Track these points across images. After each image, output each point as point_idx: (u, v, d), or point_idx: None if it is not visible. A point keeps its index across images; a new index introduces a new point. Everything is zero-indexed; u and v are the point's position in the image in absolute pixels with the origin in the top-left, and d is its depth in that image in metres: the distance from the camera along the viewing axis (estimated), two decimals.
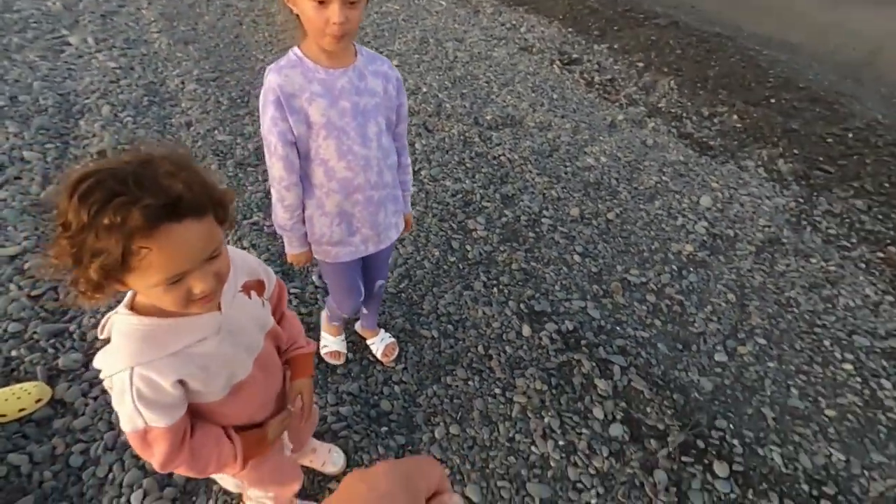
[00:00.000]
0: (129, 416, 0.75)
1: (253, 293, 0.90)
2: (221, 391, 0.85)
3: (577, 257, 2.33)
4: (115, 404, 0.75)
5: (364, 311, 1.74)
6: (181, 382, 0.77)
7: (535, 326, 1.98)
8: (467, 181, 2.78)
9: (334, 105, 1.13)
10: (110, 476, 1.44)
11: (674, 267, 2.36)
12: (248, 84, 3.73)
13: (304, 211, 1.27)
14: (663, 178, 2.99)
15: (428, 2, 5.95)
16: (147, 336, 0.74)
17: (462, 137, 3.19)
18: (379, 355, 1.80)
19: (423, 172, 2.82)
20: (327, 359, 1.76)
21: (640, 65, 4.53)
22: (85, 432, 1.53)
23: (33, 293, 1.95)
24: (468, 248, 2.33)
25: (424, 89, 3.79)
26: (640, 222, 2.62)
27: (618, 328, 2.02)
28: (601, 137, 3.32)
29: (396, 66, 4.07)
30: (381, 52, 4.11)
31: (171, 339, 0.76)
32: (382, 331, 1.85)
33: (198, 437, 0.83)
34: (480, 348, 1.88)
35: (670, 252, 2.45)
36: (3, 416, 1.51)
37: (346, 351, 1.79)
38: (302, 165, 1.19)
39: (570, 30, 5.35)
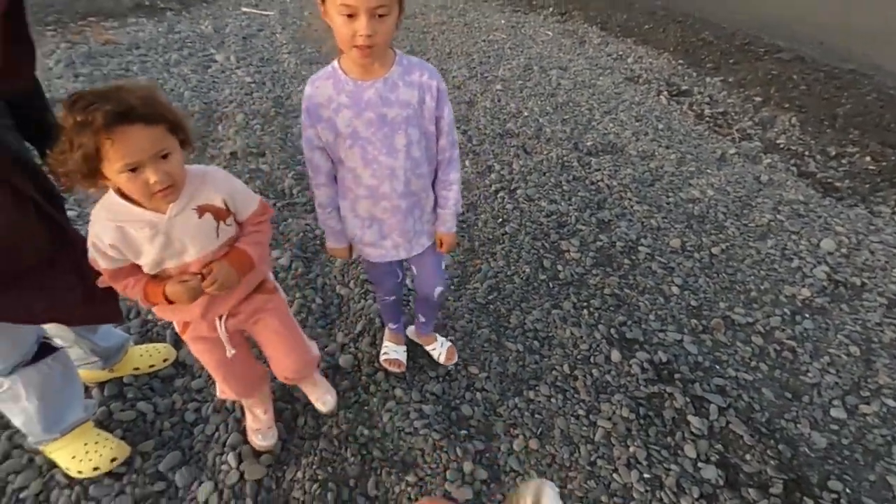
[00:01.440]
0: (90, 255, 1.03)
1: (207, 215, 1.06)
2: (149, 269, 1.06)
3: (675, 289, 2.22)
4: None
5: (421, 318, 1.77)
6: (115, 248, 1.00)
7: (625, 353, 1.91)
8: (563, 203, 2.77)
9: (360, 116, 1.17)
10: (216, 435, 1.59)
11: (786, 311, 2.16)
12: None
13: (338, 210, 1.36)
14: (778, 216, 2.77)
15: (534, 31, 6.08)
16: (107, 205, 1.00)
17: (560, 161, 3.19)
18: (442, 360, 1.82)
19: (518, 192, 2.86)
20: (386, 366, 1.79)
21: (758, 99, 4.27)
22: (199, 393, 1.71)
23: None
24: (559, 268, 2.32)
25: (525, 113, 3.86)
26: (749, 260, 2.45)
27: (717, 367, 1.89)
28: (709, 170, 3.16)
29: (499, 90, 4.21)
30: (485, 78, 4.25)
31: (120, 214, 0.99)
32: (440, 336, 1.86)
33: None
34: (566, 367, 1.85)
35: (782, 294, 2.25)
36: (138, 369, 1.74)
37: (405, 360, 1.80)
38: (337, 168, 1.28)
39: (680, 61, 5.19)
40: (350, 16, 1.02)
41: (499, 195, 2.83)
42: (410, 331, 1.90)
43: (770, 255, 2.49)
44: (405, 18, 4.26)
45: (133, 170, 0.91)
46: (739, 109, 4.12)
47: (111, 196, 1.00)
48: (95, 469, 1.43)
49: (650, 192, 2.90)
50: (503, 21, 6.44)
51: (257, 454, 1.53)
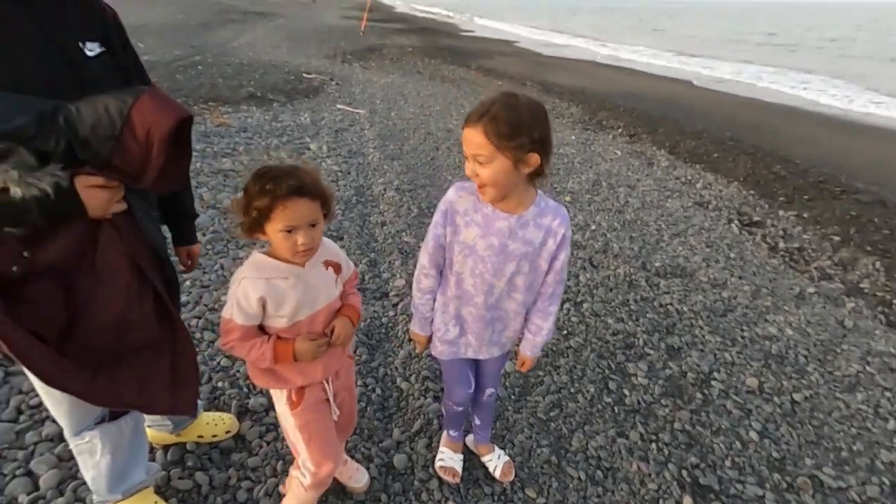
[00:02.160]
0: (227, 307, 1.18)
1: (330, 269, 1.28)
2: (285, 321, 1.20)
3: (753, 434, 2.06)
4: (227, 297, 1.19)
5: (476, 421, 1.74)
6: (261, 301, 1.16)
7: (698, 501, 1.75)
8: (630, 323, 2.72)
9: (485, 237, 1.26)
10: None
11: (885, 480, 1.93)
12: (436, 198, 4.26)
13: (434, 301, 1.42)
14: (868, 368, 2.57)
15: (603, 149, 6.37)
16: (258, 263, 1.18)
17: (628, 279, 3.18)
18: (497, 475, 1.74)
19: (584, 306, 2.85)
20: (441, 474, 1.72)
21: (836, 238, 4.16)
22: (254, 472, 1.70)
23: None
24: (626, 392, 2.22)
25: (593, 227, 3.94)
26: (837, 414, 2.25)
27: None
28: (786, 307, 3.04)
29: (567, 202, 4.35)
30: (554, 189, 4.43)
31: (268, 269, 1.17)
32: (497, 447, 1.80)
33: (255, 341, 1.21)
34: None
35: (879, 460, 2.03)
36: (202, 437, 1.77)
37: (461, 470, 1.73)
38: (445, 266, 1.38)
39: (751, 192, 5.21)
40: (468, 158, 1.18)
41: (564, 306, 2.83)
42: (469, 439, 1.85)
43: (861, 410, 2.28)
44: None
45: (289, 231, 1.12)
46: (816, 247, 4.01)
47: (257, 257, 1.20)
48: None
49: (723, 323, 2.80)
50: (573, 137, 6.81)
51: None
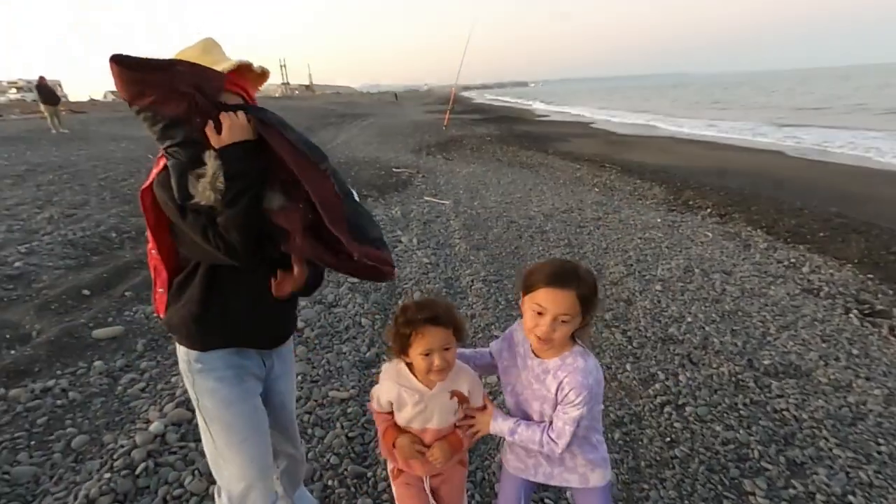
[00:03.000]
0: (375, 388, 1.49)
1: (455, 399, 1.44)
2: (402, 422, 1.45)
3: None
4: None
5: None
6: (389, 402, 1.45)
7: None
8: (741, 431, 2.54)
9: (523, 370, 1.44)
10: None
11: None
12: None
13: None
14: None
15: (692, 232, 6.21)
16: (397, 371, 1.44)
17: (733, 379, 3.00)
18: None
19: (687, 409, 2.72)
20: None
21: None
22: None
23: (350, 434, 2.49)
24: None
25: (689, 319, 3.80)
26: None
27: None
28: None
29: (658, 291, 4.26)
30: (643, 276, 4.36)
31: (402, 379, 1.42)
32: None
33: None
34: None
35: None
36: None
37: None
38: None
39: (869, 276, 4.77)
40: (539, 314, 1.29)
41: (665, 409, 2.71)
42: None
43: None
44: (564, 212, 4.76)
45: (426, 354, 1.34)
46: None
47: (401, 365, 1.43)
48: None
49: (853, 435, 2.52)
50: (658, 220, 6.73)
51: None
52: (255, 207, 1.26)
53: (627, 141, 17.49)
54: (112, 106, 37.10)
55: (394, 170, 10.29)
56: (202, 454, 2.28)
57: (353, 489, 2.16)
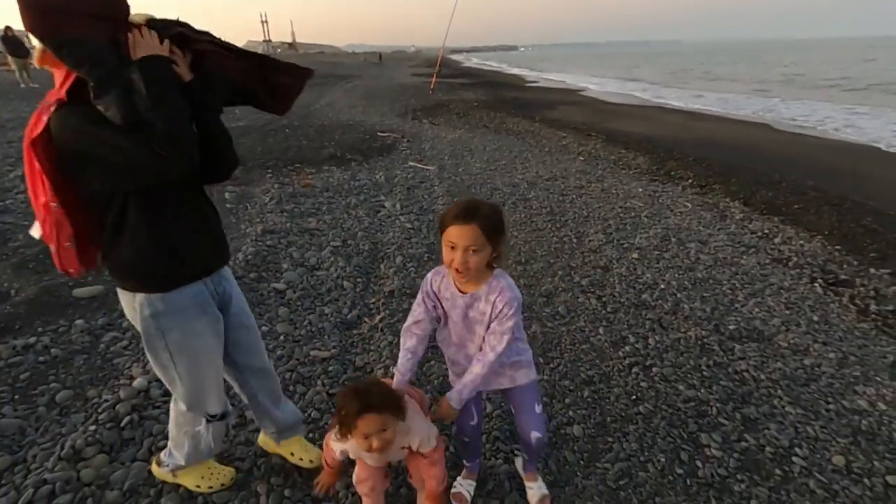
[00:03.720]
0: (330, 434, 1.69)
1: (405, 450, 1.66)
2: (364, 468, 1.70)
3: None
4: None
5: (525, 455, 2.02)
6: (345, 453, 1.66)
7: None
8: (703, 390, 2.69)
9: (453, 310, 1.64)
10: None
11: None
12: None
13: (411, 359, 1.71)
14: None
15: (672, 202, 6.31)
16: (351, 445, 1.59)
17: (700, 342, 3.15)
18: (533, 502, 1.94)
19: (654, 370, 2.86)
20: (452, 499, 1.95)
21: None
22: None
23: (331, 391, 2.58)
24: (699, 464, 2.21)
25: (662, 286, 3.93)
26: None
27: None
28: (879, 378, 2.86)
29: (635, 259, 4.38)
30: (621, 245, 4.47)
31: (355, 449, 1.61)
32: (541, 479, 2.00)
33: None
34: None
35: None
36: (292, 454, 2.07)
37: (470, 497, 1.95)
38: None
39: (837, 247, 4.95)
40: (452, 248, 1.47)
41: (633, 370, 2.85)
42: (519, 462, 2.10)
43: None
44: (547, 180, 4.82)
45: (367, 437, 1.49)
46: None
47: (353, 442, 1.56)
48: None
49: (805, 394, 2.69)
50: (640, 189, 6.81)
51: None
52: (185, 109, 1.36)
53: (614, 110, 17.40)
54: None
55: (378, 134, 10.15)
56: None
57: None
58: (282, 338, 3.03)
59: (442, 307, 1.66)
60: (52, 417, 2.29)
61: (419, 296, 1.69)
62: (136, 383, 2.45)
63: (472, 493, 1.97)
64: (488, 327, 1.58)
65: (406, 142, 9.59)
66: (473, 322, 1.61)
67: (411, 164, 7.86)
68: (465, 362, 1.70)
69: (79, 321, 2.97)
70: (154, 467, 1.98)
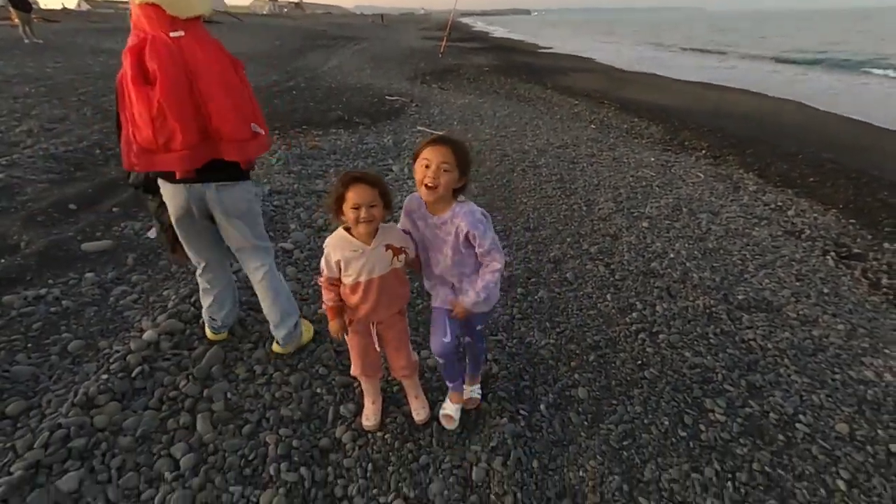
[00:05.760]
0: (321, 266, 1.82)
1: (390, 251, 1.78)
2: (350, 280, 1.80)
3: (840, 483, 1.99)
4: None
5: (466, 360, 2.25)
6: (338, 263, 1.76)
7: None
8: (709, 357, 2.69)
9: (426, 229, 1.81)
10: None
11: None
12: (511, 222, 4.41)
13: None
14: None
15: (685, 172, 6.20)
16: (340, 236, 1.76)
17: (707, 311, 3.13)
18: (464, 397, 2.22)
19: (660, 336, 2.85)
20: (441, 420, 2.15)
21: None
22: (348, 471, 1.92)
23: (338, 349, 2.60)
24: (702, 427, 2.22)
25: (671, 255, 3.89)
26: None
27: None
28: (887, 350, 2.85)
29: (645, 228, 4.32)
30: (631, 213, 4.41)
31: (345, 241, 1.74)
32: (478, 387, 2.31)
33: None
34: None
35: None
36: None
37: (457, 417, 2.16)
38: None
39: (851, 221, 4.86)
40: (427, 166, 1.63)
41: (639, 336, 2.85)
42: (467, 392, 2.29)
43: None
44: (558, 147, 4.75)
45: (357, 208, 1.63)
46: None
47: (341, 232, 1.76)
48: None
49: (812, 364, 2.69)
50: (653, 159, 6.68)
51: None
52: None
53: (629, 78, 16.93)
54: (86, 16, 34.78)
55: (387, 97, 9.96)
56: (195, 361, 2.39)
57: (339, 397, 2.29)
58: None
59: (417, 227, 1.84)
60: (65, 366, 2.33)
61: (402, 216, 1.88)
62: (146, 336, 2.47)
63: (459, 415, 2.17)
64: (455, 248, 1.77)
65: (415, 106, 9.41)
66: (442, 242, 1.79)
67: (420, 128, 7.74)
68: (435, 273, 1.89)
69: (89, 274, 2.99)
70: (277, 348, 2.48)
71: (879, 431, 2.26)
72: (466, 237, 1.72)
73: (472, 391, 2.29)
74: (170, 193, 2.09)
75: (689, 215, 4.74)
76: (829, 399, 2.43)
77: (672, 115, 9.93)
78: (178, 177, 1.96)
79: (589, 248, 3.95)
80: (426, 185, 1.64)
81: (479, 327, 2.09)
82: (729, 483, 1.96)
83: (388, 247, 1.77)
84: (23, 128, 5.80)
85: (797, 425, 2.26)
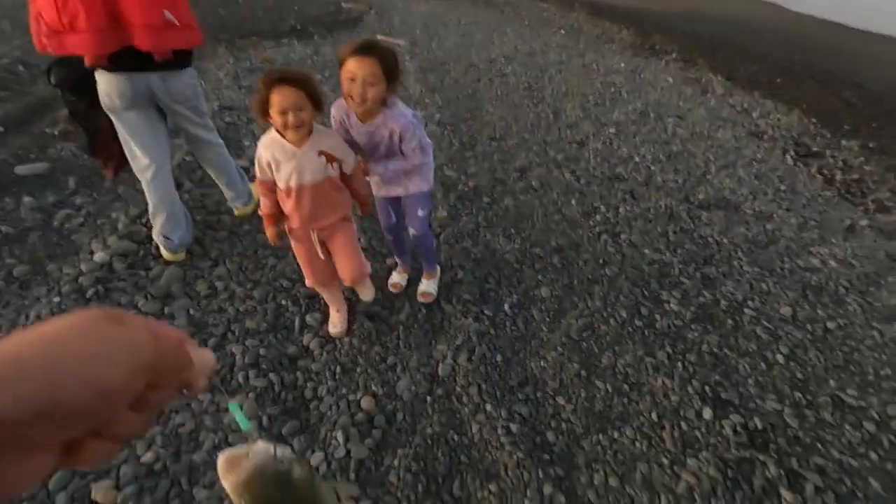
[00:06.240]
0: (254, 169, 1.76)
1: (323, 157, 1.68)
2: (282, 184, 1.70)
3: (780, 357, 2.15)
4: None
5: (422, 259, 2.37)
6: (268, 164, 1.68)
7: (717, 413, 1.89)
8: (667, 253, 2.77)
9: (358, 136, 1.77)
10: (328, 414, 1.82)
11: None
12: (477, 132, 4.28)
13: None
14: None
15: (654, 77, 6.05)
16: (271, 138, 1.66)
17: (668, 211, 3.19)
18: (419, 292, 2.35)
19: (622, 236, 2.91)
20: (390, 287, 2.39)
21: None
22: (316, 375, 1.96)
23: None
24: (657, 317, 2.33)
25: (637, 159, 3.88)
26: (870, 342, 2.28)
27: (819, 445, 1.81)
28: (833, 240, 2.98)
29: (612, 133, 4.27)
30: (599, 120, 4.32)
31: (275, 143, 1.65)
32: (433, 282, 2.38)
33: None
34: (654, 415, 1.87)
35: None
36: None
37: (403, 284, 2.41)
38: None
39: (813, 121, 4.90)
40: (352, 80, 1.57)
41: (602, 237, 2.90)
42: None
43: None
44: (526, 55, 4.52)
45: (283, 113, 1.53)
46: (878, 178, 3.81)
47: (272, 134, 1.65)
48: None
49: (763, 255, 2.81)
50: (622, 64, 6.48)
51: (363, 438, 1.74)
52: None
53: None
54: None
55: (343, 5, 9.18)
56: (152, 280, 2.32)
57: (304, 308, 2.28)
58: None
59: (349, 134, 1.79)
60: (13, 291, 2.23)
61: (334, 124, 1.82)
62: (97, 257, 2.38)
63: (406, 283, 2.41)
64: (389, 149, 1.78)
65: (374, 14, 8.74)
66: (375, 145, 1.78)
67: (379, 37, 7.22)
68: (374, 162, 1.86)
69: (27, 199, 2.80)
70: (239, 211, 2.80)
71: (819, 312, 2.41)
72: (399, 138, 1.73)
73: (428, 285, 2.36)
74: (111, 84, 2.04)
75: (656, 120, 4.68)
76: (777, 286, 2.57)
77: (645, 17, 9.51)
78: (87, 63, 1.91)
79: (555, 156, 3.90)
80: (354, 100, 1.59)
81: (420, 213, 2.06)
82: (679, 363, 2.10)
83: (321, 153, 1.67)
84: None
85: (745, 310, 2.39)
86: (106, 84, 2.03)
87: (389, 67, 1.59)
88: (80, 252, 2.48)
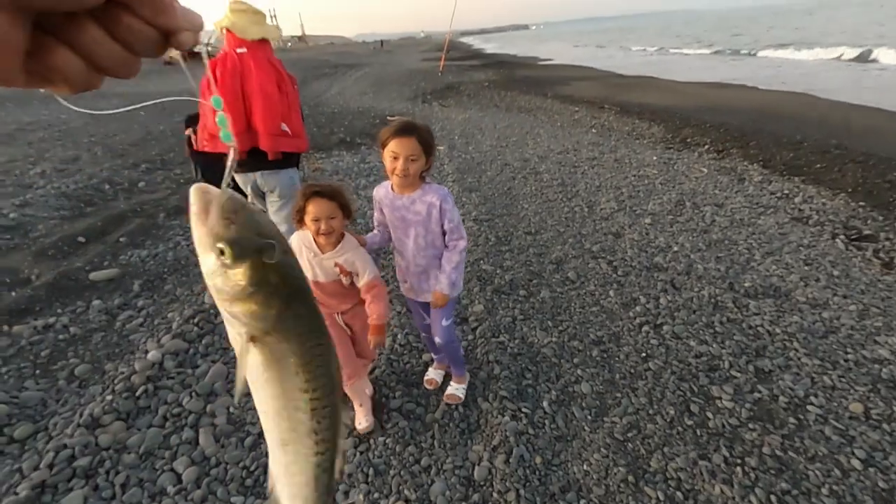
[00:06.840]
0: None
1: (337, 268, 1.84)
2: (311, 277, 1.81)
3: (856, 463, 1.91)
4: None
5: (446, 361, 2.39)
6: (298, 250, 1.79)
7: None
8: (714, 345, 2.64)
9: (393, 213, 1.90)
10: None
11: None
12: (512, 227, 4.41)
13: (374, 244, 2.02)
14: None
15: (688, 168, 6.15)
16: (303, 234, 1.82)
17: (713, 300, 3.08)
18: (445, 394, 2.30)
19: (664, 328, 2.81)
20: (425, 384, 2.39)
21: None
22: None
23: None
24: (709, 415, 2.17)
25: (675, 248, 3.85)
26: None
27: None
28: None
29: (648, 224, 4.29)
30: (634, 211, 4.37)
31: (306, 241, 1.81)
32: (462, 386, 2.32)
33: None
34: None
35: None
36: None
37: (439, 380, 2.40)
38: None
39: (861, 203, 4.76)
40: (395, 158, 1.74)
41: (643, 329, 2.81)
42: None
43: None
44: (559, 153, 4.76)
45: (316, 221, 1.73)
46: None
47: (307, 232, 1.81)
48: None
49: (823, 346, 2.62)
50: (655, 158, 6.65)
51: None
52: None
53: (629, 83, 16.95)
54: None
55: (388, 118, 10.10)
56: (198, 378, 2.42)
57: None
58: None
59: (384, 214, 1.94)
60: (72, 390, 2.37)
61: (375, 207, 1.99)
62: (150, 356, 2.52)
63: (442, 379, 2.40)
64: (426, 226, 1.85)
65: None
66: (409, 223, 1.87)
67: None
68: (405, 256, 1.96)
69: (96, 302, 3.06)
70: None
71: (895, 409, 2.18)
72: (440, 211, 1.84)
73: (455, 389, 2.33)
74: (240, 181, 2.73)
75: (693, 209, 4.69)
76: (842, 379, 2.36)
77: (674, 114, 9.89)
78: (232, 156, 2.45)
79: (591, 248, 3.93)
80: (398, 175, 1.76)
81: (444, 322, 2.08)
82: (738, 468, 1.91)
83: (336, 263, 1.85)
84: (36, 170, 6.01)
85: (808, 407, 2.19)
86: (237, 180, 2.72)
87: (427, 144, 1.77)
88: (136, 351, 2.64)
